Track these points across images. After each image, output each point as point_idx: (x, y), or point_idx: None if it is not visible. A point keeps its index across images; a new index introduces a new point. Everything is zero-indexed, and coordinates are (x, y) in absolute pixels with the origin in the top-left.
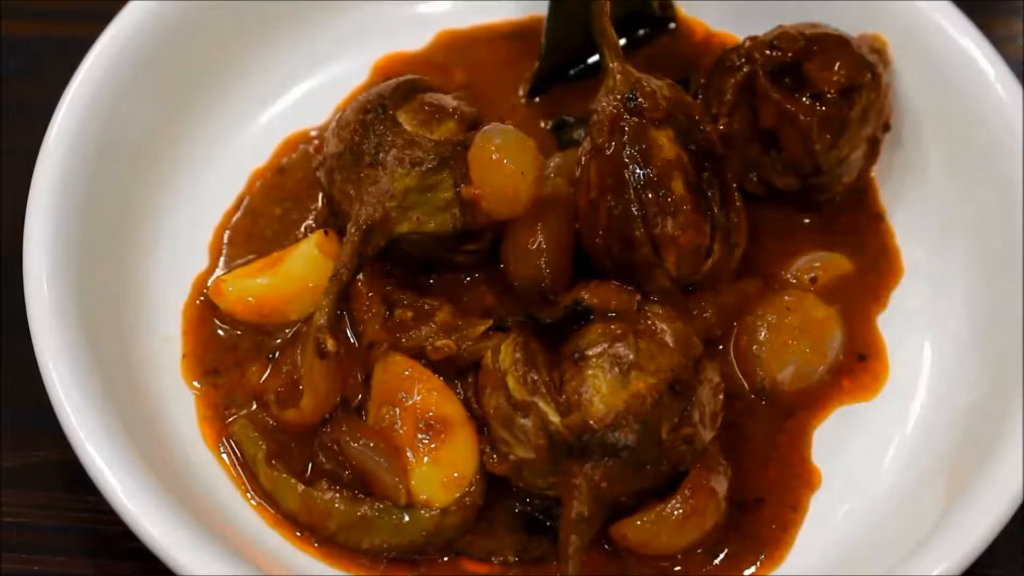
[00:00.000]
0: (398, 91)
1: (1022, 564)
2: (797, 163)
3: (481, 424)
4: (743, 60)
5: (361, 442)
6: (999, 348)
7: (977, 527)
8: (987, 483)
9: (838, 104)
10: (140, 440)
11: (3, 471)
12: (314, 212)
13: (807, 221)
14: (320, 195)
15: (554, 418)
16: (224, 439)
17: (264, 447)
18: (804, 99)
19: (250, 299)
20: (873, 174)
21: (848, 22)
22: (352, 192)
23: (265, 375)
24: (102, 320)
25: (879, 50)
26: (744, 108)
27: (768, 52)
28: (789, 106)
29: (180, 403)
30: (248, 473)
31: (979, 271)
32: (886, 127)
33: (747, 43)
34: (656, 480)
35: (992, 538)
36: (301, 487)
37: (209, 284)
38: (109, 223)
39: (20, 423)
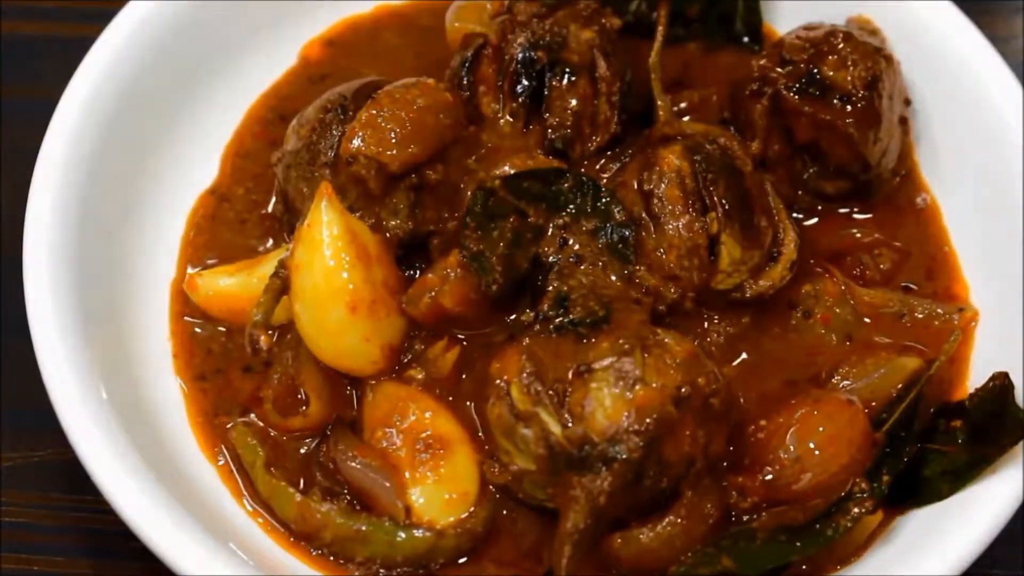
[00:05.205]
0: (360, 92)
1: (1022, 564)
2: (846, 166)
3: (482, 441)
4: (760, 84)
5: (359, 460)
6: (995, 346)
7: (977, 527)
8: (987, 483)
9: (868, 99)
10: (140, 440)
11: (3, 471)
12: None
13: (860, 217)
14: (275, 190)
15: (555, 429)
16: (221, 444)
17: (262, 454)
18: (835, 104)
19: (222, 296)
20: (916, 157)
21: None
22: (306, 190)
23: (256, 383)
24: (102, 319)
25: (874, 31)
26: (776, 130)
27: (782, 69)
28: (824, 116)
29: (178, 404)
30: (245, 479)
31: (979, 272)
32: (907, 102)
33: (756, 66)
34: (654, 496)
35: (992, 538)
36: (299, 496)
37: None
38: (109, 223)
39: (20, 423)
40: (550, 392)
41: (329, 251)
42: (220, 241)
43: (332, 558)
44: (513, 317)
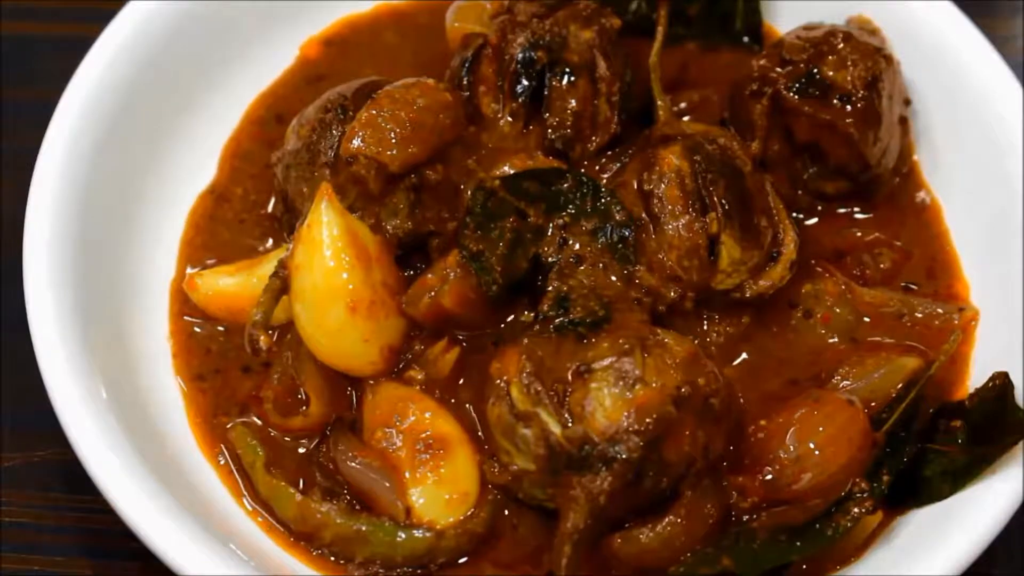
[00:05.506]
0: (360, 92)
1: (1022, 564)
2: (846, 167)
3: (482, 441)
4: (760, 84)
5: (359, 461)
6: (995, 346)
7: (977, 527)
8: (987, 483)
9: (868, 99)
10: (140, 440)
11: (3, 471)
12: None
13: (860, 217)
14: (275, 189)
15: (555, 429)
16: (221, 444)
17: (262, 454)
18: (835, 104)
19: (221, 296)
20: (914, 155)
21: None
22: (306, 191)
23: (255, 383)
24: (102, 319)
25: (874, 31)
26: (776, 130)
27: (782, 69)
28: (824, 116)
29: (178, 404)
30: (245, 479)
31: (979, 272)
32: (907, 102)
33: (756, 66)
34: (654, 497)
35: (992, 538)
36: (299, 496)
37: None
38: (110, 223)
39: (20, 423)
40: (550, 392)
41: (329, 251)
42: (219, 241)
43: (332, 558)
44: (513, 317)
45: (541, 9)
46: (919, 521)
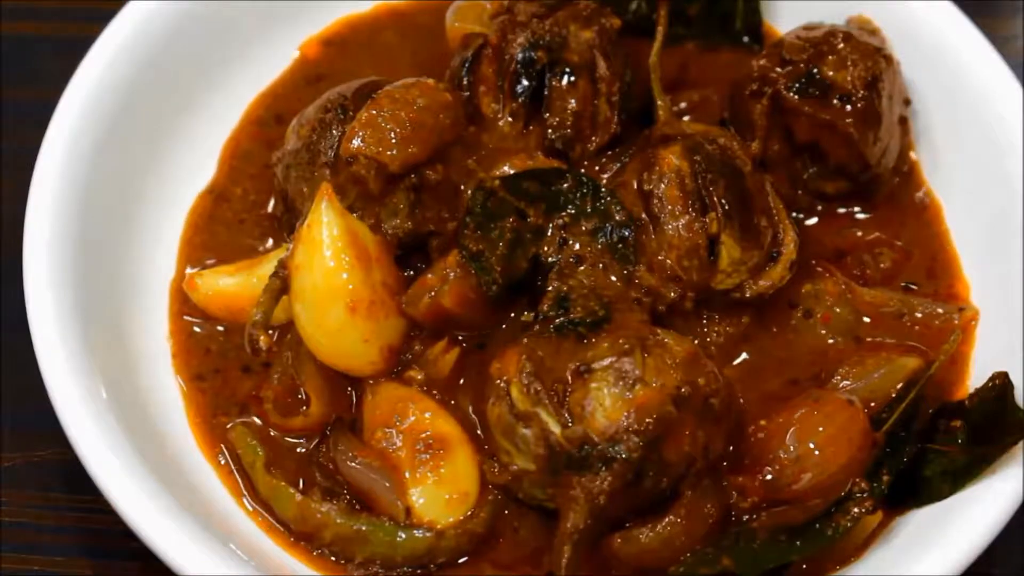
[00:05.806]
0: (360, 92)
1: (1022, 564)
2: (846, 167)
3: (482, 441)
4: (760, 84)
5: (359, 461)
6: (995, 346)
7: (977, 527)
8: (987, 483)
9: (868, 99)
10: (140, 439)
11: (3, 471)
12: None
13: (860, 217)
14: (275, 189)
15: (555, 429)
16: (221, 444)
17: (262, 454)
18: (835, 104)
19: (221, 296)
20: (913, 154)
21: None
22: (306, 190)
23: (255, 383)
24: (102, 319)
25: (874, 31)
26: (776, 130)
27: (782, 69)
28: (824, 116)
29: (178, 404)
30: (245, 479)
31: (979, 272)
32: (907, 102)
33: (756, 66)
34: (654, 496)
35: (992, 538)
36: (299, 496)
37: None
38: (110, 223)
39: (20, 423)
40: (550, 392)
41: (329, 251)
42: (218, 241)
43: (332, 558)
44: (513, 317)
45: (541, 9)
46: (919, 521)
